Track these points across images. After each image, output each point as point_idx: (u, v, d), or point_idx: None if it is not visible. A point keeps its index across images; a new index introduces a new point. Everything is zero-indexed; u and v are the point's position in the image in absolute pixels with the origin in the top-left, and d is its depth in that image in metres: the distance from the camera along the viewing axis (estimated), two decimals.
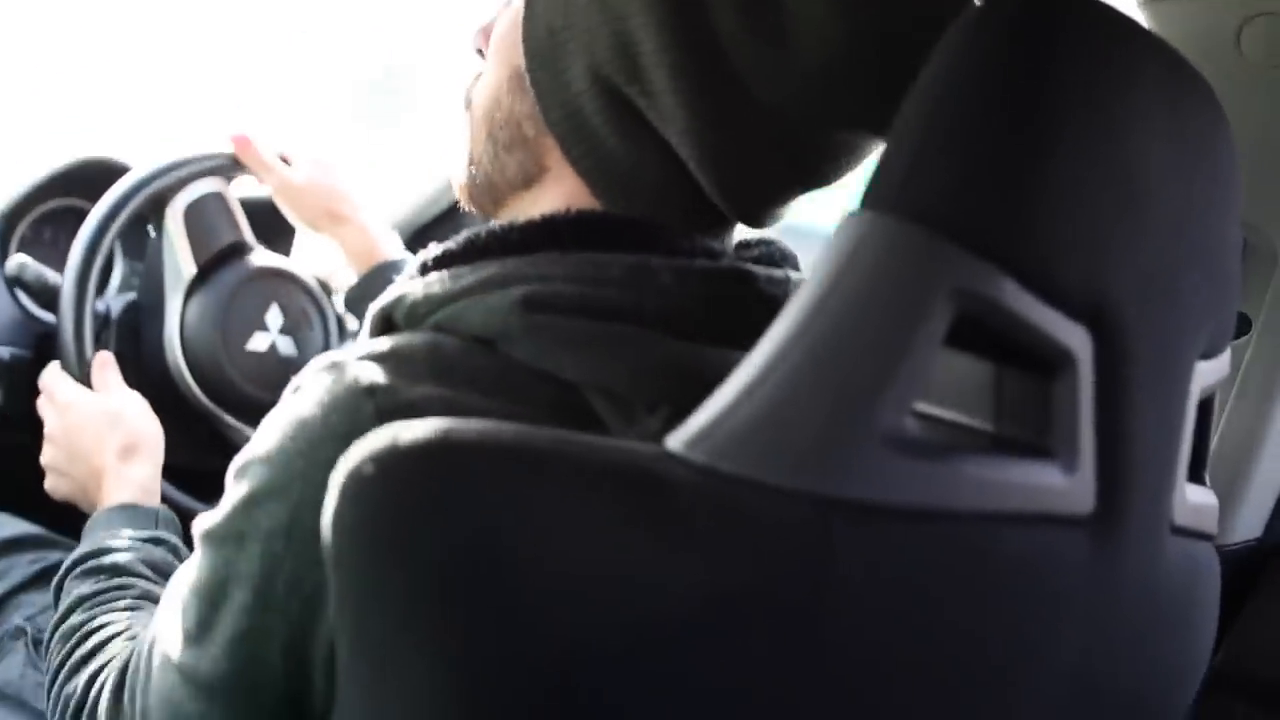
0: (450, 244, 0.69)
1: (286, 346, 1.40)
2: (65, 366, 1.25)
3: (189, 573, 0.70)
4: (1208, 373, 0.61)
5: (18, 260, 1.34)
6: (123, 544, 1.02)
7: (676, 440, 0.50)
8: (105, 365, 1.24)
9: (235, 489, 0.67)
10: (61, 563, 1.14)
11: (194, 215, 1.37)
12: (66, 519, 1.28)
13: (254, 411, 1.34)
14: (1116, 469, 0.55)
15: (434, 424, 0.49)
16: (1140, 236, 0.54)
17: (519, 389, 0.62)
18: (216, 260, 1.38)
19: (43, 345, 1.38)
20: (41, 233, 1.47)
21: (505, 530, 0.48)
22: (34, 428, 1.28)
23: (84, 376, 1.24)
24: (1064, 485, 0.53)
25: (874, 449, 0.48)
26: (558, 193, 0.72)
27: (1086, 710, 0.57)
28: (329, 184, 1.36)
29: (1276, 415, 1.00)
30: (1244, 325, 0.99)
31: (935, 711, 0.51)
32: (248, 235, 1.42)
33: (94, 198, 1.29)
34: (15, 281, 1.36)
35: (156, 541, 1.04)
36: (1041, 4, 0.53)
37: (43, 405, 1.24)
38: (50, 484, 1.21)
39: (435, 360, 0.63)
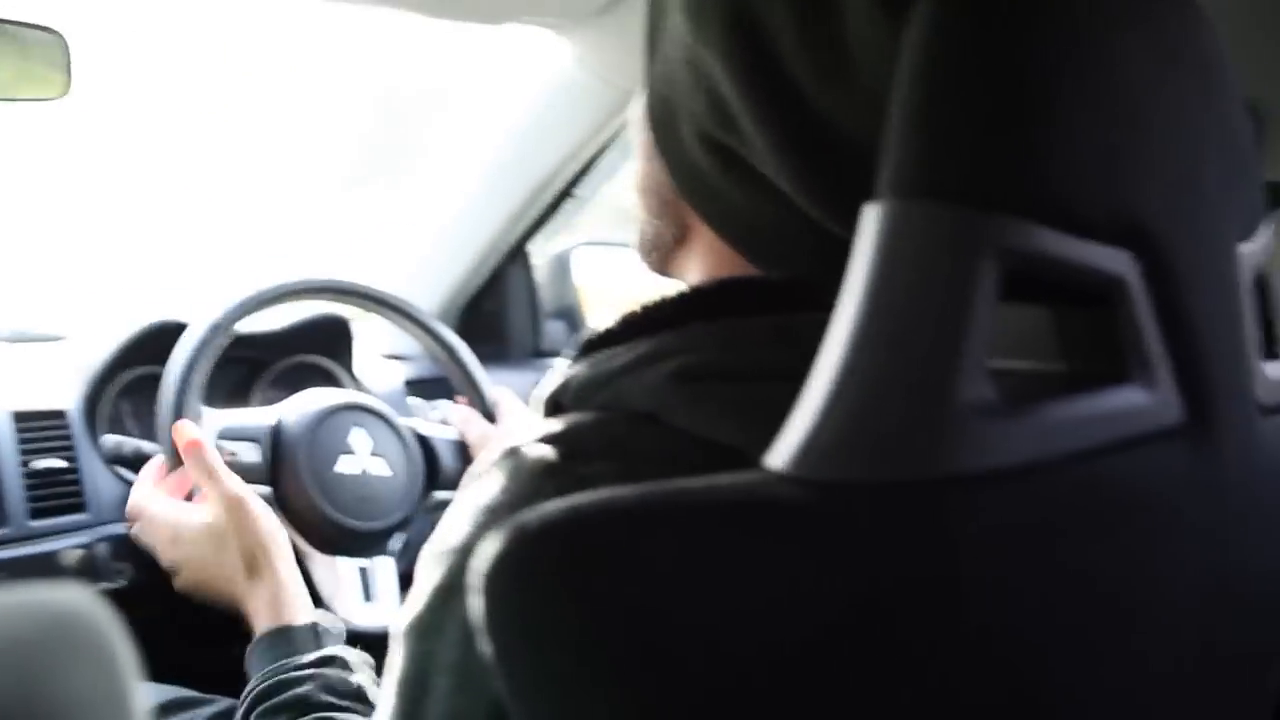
0: (609, 324, 0.74)
1: (379, 468, 1.42)
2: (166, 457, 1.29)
3: (393, 669, 0.74)
4: (1251, 254, 0.63)
5: (113, 440, 1.39)
6: (295, 675, 1.06)
7: (778, 459, 0.53)
8: (196, 458, 1.24)
9: (429, 579, 0.71)
10: (219, 715, 1.18)
11: None
12: (213, 680, 1.33)
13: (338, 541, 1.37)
14: (1194, 372, 0.57)
15: (558, 504, 0.52)
16: (1151, 149, 0.56)
17: (685, 459, 0.64)
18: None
19: None
20: (122, 407, 1.53)
21: (641, 588, 0.51)
22: (166, 595, 1.32)
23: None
24: (1149, 402, 0.55)
25: (962, 420, 0.50)
26: (703, 249, 0.78)
27: (1226, 623, 0.58)
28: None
29: None
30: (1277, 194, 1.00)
31: (1080, 660, 0.53)
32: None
33: (166, 360, 1.34)
34: (115, 459, 1.41)
35: (325, 662, 1.08)
36: None
37: (139, 531, 1.28)
38: (181, 589, 1.25)
39: (604, 438, 0.68)
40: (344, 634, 1.16)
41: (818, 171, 0.68)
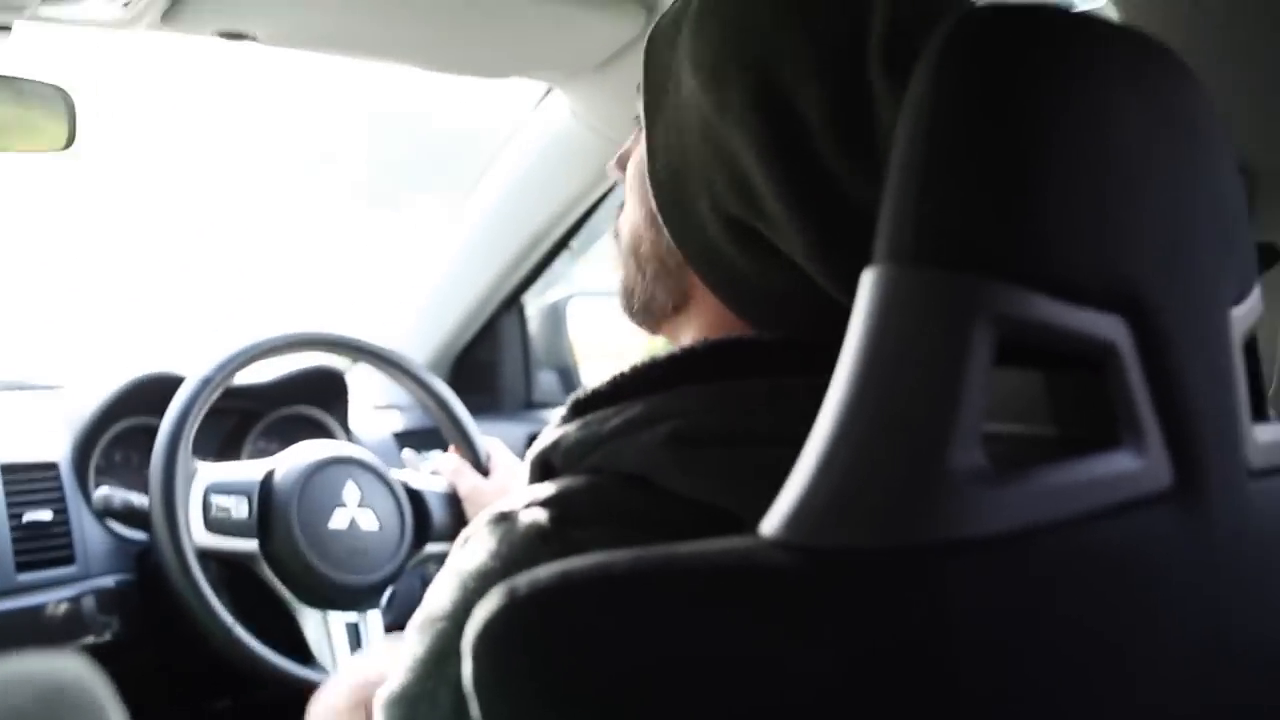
0: (598, 385, 0.73)
1: (369, 522, 1.41)
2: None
3: None
4: (1242, 317, 0.62)
5: (103, 493, 1.38)
6: None
7: (770, 526, 0.52)
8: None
9: (419, 646, 0.69)
10: None
11: None
12: None
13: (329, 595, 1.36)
14: (1184, 436, 0.56)
15: (550, 568, 0.52)
16: (1144, 214, 0.56)
17: (678, 523, 0.64)
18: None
19: (142, 564, 1.43)
20: (113, 458, 1.52)
21: (632, 654, 0.51)
22: (154, 648, 1.31)
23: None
24: (1139, 467, 0.55)
25: (955, 487, 0.50)
26: (705, 314, 0.77)
27: (1227, 685, 0.58)
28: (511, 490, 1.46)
29: None
30: (1270, 255, 1.01)
31: None
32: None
33: (157, 412, 1.34)
34: (105, 512, 1.40)
35: None
36: (995, 24, 0.55)
37: None
38: None
39: (598, 501, 0.67)
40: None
41: (843, 251, 0.68)
